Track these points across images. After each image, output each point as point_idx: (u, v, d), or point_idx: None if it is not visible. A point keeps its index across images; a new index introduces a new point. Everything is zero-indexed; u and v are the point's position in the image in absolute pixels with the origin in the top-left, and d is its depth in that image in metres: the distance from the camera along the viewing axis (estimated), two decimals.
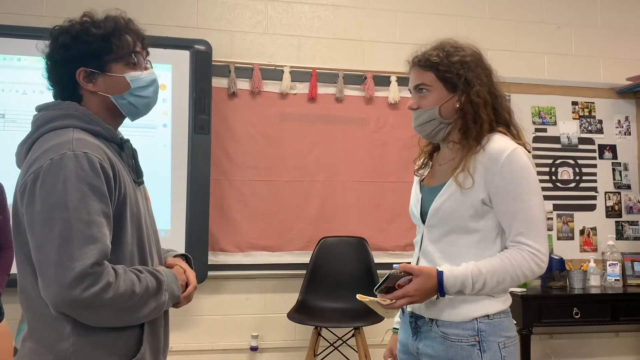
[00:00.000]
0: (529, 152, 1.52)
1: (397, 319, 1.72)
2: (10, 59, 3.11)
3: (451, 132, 1.54)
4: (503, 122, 1.53)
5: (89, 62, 1.30)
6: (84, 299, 1.12)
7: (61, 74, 1.31)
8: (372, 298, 1.43)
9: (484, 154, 1.45)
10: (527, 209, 1.42)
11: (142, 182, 1.40)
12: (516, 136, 1.53)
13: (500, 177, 1.43)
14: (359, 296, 1.46)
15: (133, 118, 1.40)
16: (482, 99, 1.49)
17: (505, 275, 1.41)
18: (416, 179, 1.67)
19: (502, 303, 1.48)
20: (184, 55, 3.25)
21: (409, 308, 1.55)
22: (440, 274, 1.41)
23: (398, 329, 1.70)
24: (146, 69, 1.38)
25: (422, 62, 1.53)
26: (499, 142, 1.46)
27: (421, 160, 1.69)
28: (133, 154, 1.38)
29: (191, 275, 1.43)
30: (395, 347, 1.69)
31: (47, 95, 1.35)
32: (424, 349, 1.50)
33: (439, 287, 1.41)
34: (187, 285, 1.40)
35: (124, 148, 1.35)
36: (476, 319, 1.44)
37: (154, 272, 1.28)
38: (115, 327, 1.22)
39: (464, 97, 1.49)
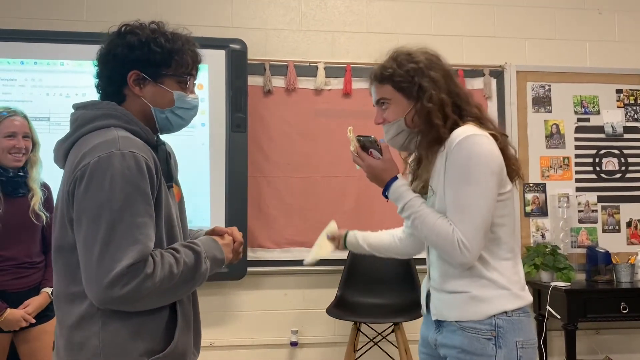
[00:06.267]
0: (506, 136, 1.50)
1: (363, 232, 1.83)
2: (54, 64, 3.22)
3: (422, 139, 1.54)
4: (474, 116, 1.51)
5: (145, 68, 1.33)
6: (122, 295, 1.17)
7: (115, 70, 1.33)
8: (354, 137, 1.59)
9: (444, 147, 1.45)
10: (460, 198, 1.41)
11: (172, 186, 1.41)
12: (491, 128, 1.49)
13: (452, 160, 1.43)
14: (349, 129, 1.61)
15: (162, 132, 1.42)
16: (435, 104, 1.47)
17: (426, 232, 1.45)
18: None
19: (520, 299, 1.46)
20: (220, 54, 3.29)
21: (433, 317, 1.55)
22: (392, 180, 1.51)
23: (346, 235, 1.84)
24: (192, 92, 1.41)
25: (378, 76, 1.55)
26: (458, 131, 1.45)
27: (408, 173, 1.67)
28: (166, 156, 1.39)
29: (235, 232, 1.45)
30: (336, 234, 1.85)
31: (89, 99, 1.39)
32: (442, 340, 1.51)
33: (386, 185, 1.52)
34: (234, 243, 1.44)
35: (158, 150, 1.36)
36: (494, 315, 1.43)
37: (190, 245, 1.31)
38: (145, 324, 1.25)
39: (419, 104, 1.49)
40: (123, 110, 1.33)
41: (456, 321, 1.47)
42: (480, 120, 1.50)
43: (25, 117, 2.42)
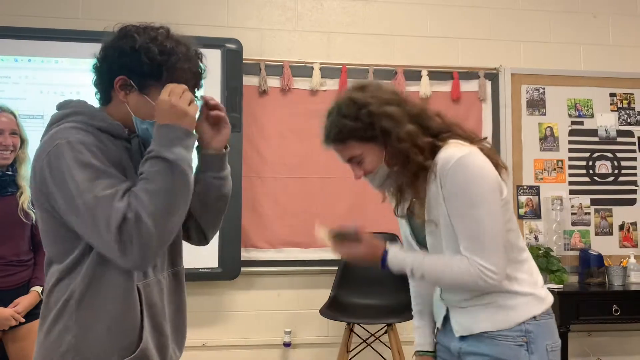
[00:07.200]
0: (489, 145, 1.47)
1: (419, 340, 1.67)
2: (48, 62, 3.20)
3: (405, 177, 1.47)
4: (443, 129, 1.45)
5: (133, 76, 1.28)
6: (138, 252, 1.17)
7: (105, 70, 1.32)
8: (327, 238, 1.51)
9: (436, 168, 1.39)
10: (473, 224, 1.36)
11: None
12: (473, 139, 1.46)
13: (449, 187, 1.37)
14: (318, 225, 1.53)
15: (144, 141, 1.36)
16: (407, 141, 1.40)
17: (444, 277, 1.42)
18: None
19: (545, 302, 1.46)
20: (216, 54, 3.28)
21: (457, 334, 1.49)
22: (385, 254, 1.46)
23: (423, 351, 1.66)
24: None
25: (337, 138, 1.45)
26: (444, 154, 1.39)
27: (392, 197, 1.59)
28: (140, 148, 1.34)
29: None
30: None
31: (83, 97, 1.39)
32: (468, 348, 1.47)
33: (382, 263, 1.47)
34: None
35: (131, 143, 1.33)
36: (523, 322, 1.42)
37: (145, 158, 1.22)
38: (118, 322, 1.24)
39: (389, 147, 1.42)
40: (91, 108, 1.32)
41: (485, 332, 1.44)
42: (452, 131, 1.45)
43: (12, 113, 2.38)
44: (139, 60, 1.27)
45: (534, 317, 1.42)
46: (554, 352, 1.43)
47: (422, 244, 1.54)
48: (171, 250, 1.41)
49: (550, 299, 1.48)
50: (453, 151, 1.39)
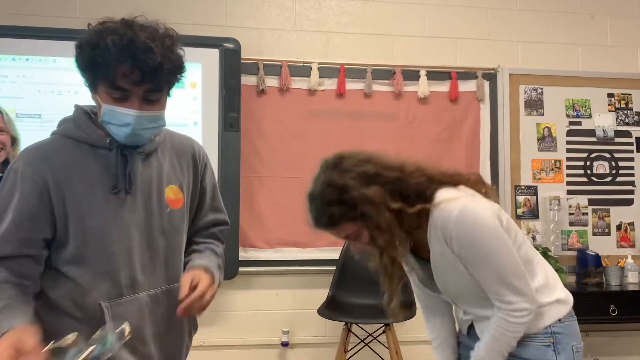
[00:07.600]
0: (475, 176, 1.48)
1: None
2: (46, 61, 3.19)
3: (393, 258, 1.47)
4: (426, 184, 1.42)
5: (86, 75, 1.27)
6: None
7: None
8: None
9: (436, 229, 1.40)
10: (491, 272, 1.38)
11: (119, 192, 1.28)
12: (457, 180, 1.45)
13: (457, 246, 1.38)
14: None
15: (122, 150, 1.29)
16: (385, 233, 1.38)
17: (507, 345, 1.40)
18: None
19: (567, 304, 1.49)
20: (214, 53, 3.28)
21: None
22: None
23: None
24: (139, 107, 1.22)
25: (329, 224, 1.44)
26: (441, 214, 1.38)
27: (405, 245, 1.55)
28: (117, 160, 1.28)
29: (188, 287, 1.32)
30: None
31: (81, 96, 1.39)
32: None
33: None
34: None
35: (111, 153, 1.29)
36: (550, 325, 1.45)
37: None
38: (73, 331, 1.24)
39: (369, 228, 1.40)
40: (79, 116, 1.33)
41: None
42: (436, 181, 1.43)
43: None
44: (76, 57, 1.26)
45: (559, 320, 1.46)
46: (578, 354, 1.47)
47: (426, 277, 1.55)
48: (167, 267, 1.36)
49: (571, 299, 1.51)
50: (448, 210, 1.38)
